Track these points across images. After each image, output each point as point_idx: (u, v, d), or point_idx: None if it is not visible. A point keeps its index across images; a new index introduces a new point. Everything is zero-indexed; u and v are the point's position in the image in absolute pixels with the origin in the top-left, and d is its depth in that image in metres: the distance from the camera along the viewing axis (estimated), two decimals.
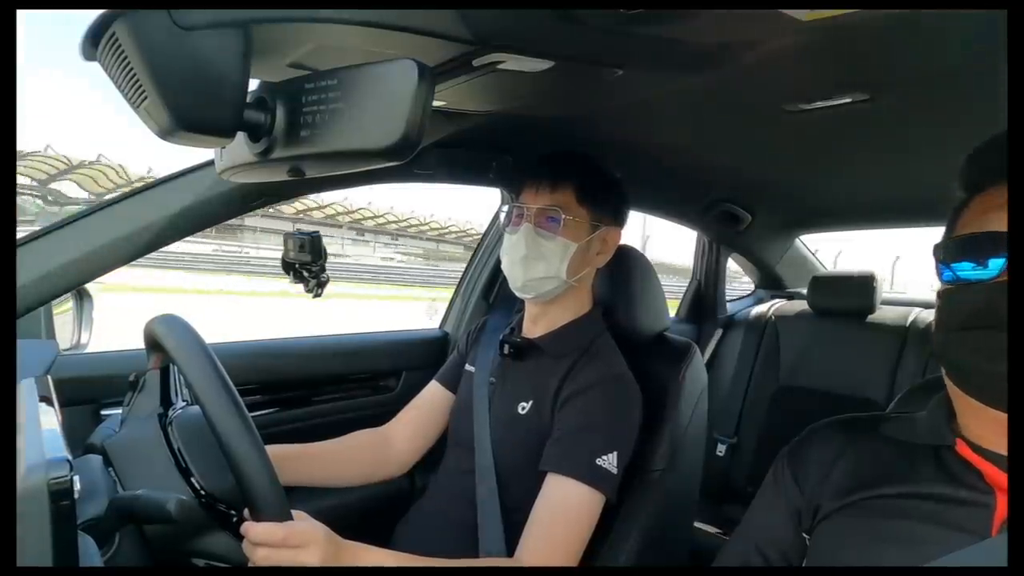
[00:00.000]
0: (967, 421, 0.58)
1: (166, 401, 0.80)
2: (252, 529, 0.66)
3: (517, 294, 1.01)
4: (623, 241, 1.08)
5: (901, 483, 0.59)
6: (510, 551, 0.87)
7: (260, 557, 0.66)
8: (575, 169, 0.99)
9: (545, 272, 0.95)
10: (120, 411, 0.89)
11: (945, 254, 0.56)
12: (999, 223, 0.52)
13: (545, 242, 0.95)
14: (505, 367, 1.03)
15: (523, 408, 0.97)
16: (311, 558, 0.67)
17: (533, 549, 0.83)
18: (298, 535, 0.67)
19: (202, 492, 0.70)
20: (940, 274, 0.57)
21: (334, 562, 0.70)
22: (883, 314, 1.78)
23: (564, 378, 0.95)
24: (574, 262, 0.96)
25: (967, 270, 0.53)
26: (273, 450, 0.94)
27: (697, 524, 1.66)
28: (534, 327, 1.04)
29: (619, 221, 1.03)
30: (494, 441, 0.97)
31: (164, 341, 0.70)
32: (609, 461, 0.87)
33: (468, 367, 1.10)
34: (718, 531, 1.72)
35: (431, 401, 1.14)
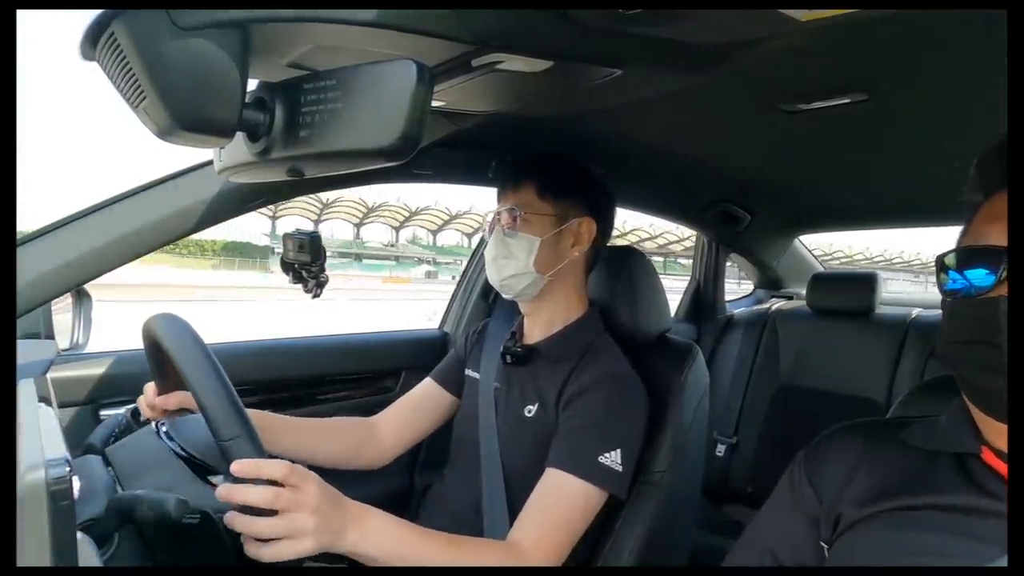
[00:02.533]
0: (985, 429, 0.57)
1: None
2: (237, 465, 0.62)
3: (501, 294, 1.03)
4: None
5: (925, 493, 0.57)
6: None
7: (262, 500, 0.62)
8: (535, 167, 1.01)
9: (515, 270, 0.97)
10: (120, 411, 0.90)
11: (958, 261, 0.55)
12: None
13: (511, 240, 0.98)
14: (509, 372, 1.03)
15: (529, 411, 0.98)
16: (307, 497, 0.64)
17: (527, 532, 0.83)
18: (293, 473, 0.63)
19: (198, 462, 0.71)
20: (949, 281, 0.55)
21: (331, 510, 0.66)
22: (882, 314, 1.78)
23: (566, 380, 0.96)
24: (542, 256, 0.97)
25: (980, 277, 0.52)
26: (257, 417, 0.94)
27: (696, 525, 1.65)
28: (533, 330, 1.05)
29: (593, 211, 1.02)
30: (502, 445, 0.97)
31: (161, 337, 0.71)
32: (612, 459, 0.87)
33: (471, 372, 1.10)
34: (718, 532, 1.72)
35: (422, 396, 1.14)
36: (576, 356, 0.98)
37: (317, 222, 39.40)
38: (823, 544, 0.63)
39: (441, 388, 1.14)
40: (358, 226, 41.30)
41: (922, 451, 0.60)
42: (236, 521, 0.63)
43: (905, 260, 43.81)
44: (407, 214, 38.98)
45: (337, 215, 39.18)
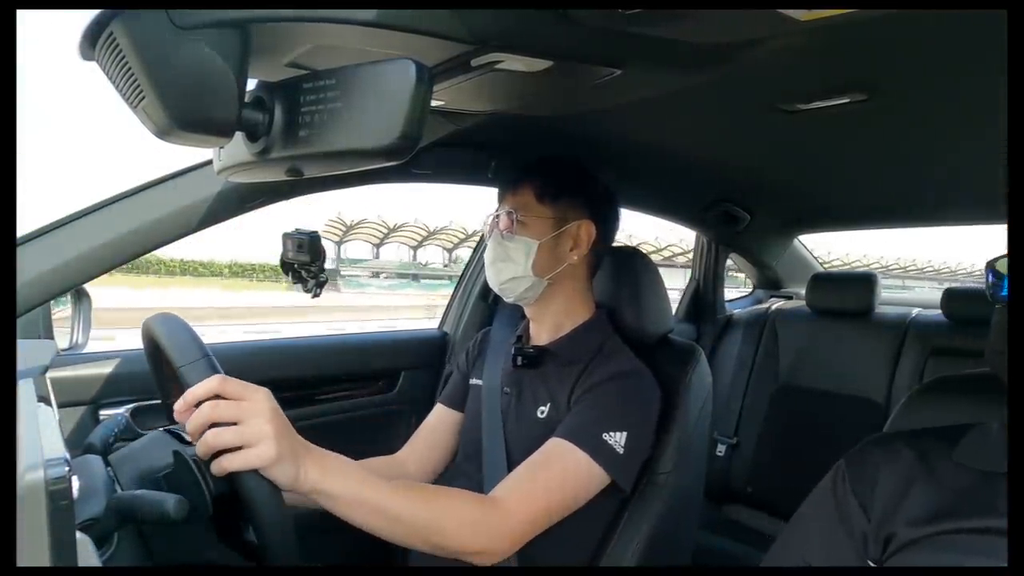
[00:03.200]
0: None
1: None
2: (176, 405, 0.62)
3: (502, 298, 1.02)
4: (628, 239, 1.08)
5: (985, 515, 0.53)
6: (523, 560, 0.86)
7: (205, 415, 0.62)
8: (534, 170, 1.01)
9: (513, 273, 0.97)
10: (120, 411, 0.90)
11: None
12: None
13: (509, 244, 0.97)
14: (520, 375, 1.03)
15: (542, 412, 0.97)
16: (257, 404, 0.64)
17: (511, 490, 0.82)
18: (227, 383, 0.63)
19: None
20: (1000, 288, 0.53)
21: (288, 428, 0.67)
22: (882, 314, 1.78)
23: (577, 380, 0.96)
24: (540, 259, 0.97)
25: None
26: None
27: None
28: (540, 333, 1.04)
29: (593, 214, 1.02)
30: (512, 447, 0.97)
31: (159, 336, 0.71)
32: (616, 439, 0.87)
33: (474, 381, 1.09)
34: (717, 532, 1.72)
35: (437, 422, 1.13)
36: (587, 357, 0.98)
37: (379, 246, 41.64)
38: (870, 562, 0.59)
39: (451, 410, 1.12)
40: (415, 248, 44.00)
41: (978, 470, 0.56)
42: (198, 445, 0.63)
43: (919, 267, 44.74)
44: (463, 236, 40.52)
45: (399, 239, 42.11)
